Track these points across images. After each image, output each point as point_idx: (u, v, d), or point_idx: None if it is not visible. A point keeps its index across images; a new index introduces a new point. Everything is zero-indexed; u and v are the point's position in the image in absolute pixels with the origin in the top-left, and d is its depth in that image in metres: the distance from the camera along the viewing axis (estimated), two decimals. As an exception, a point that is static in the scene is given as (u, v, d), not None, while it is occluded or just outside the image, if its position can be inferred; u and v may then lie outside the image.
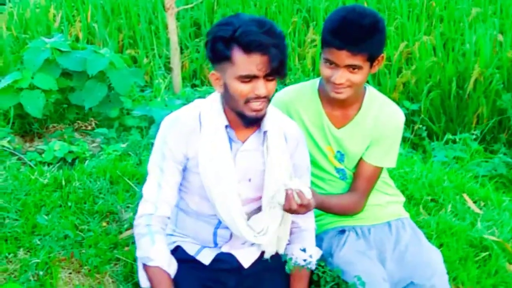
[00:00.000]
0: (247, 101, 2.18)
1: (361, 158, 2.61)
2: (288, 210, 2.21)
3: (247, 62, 2.13)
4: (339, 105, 2.58)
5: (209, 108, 2.32)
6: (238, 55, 2.14)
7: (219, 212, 2.31)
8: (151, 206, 2.34)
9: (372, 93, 2.63)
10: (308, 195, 2.20)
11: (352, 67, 2.39)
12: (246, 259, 2.47)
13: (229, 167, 2.29)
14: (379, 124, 2.58)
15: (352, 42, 2.34)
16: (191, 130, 2.31)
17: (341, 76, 2.39)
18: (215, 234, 2.45)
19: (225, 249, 2.46)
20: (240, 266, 2.45)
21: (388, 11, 8.02)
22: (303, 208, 2.20)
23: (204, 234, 2.46)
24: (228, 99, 2.25)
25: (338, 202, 2.59)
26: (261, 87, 2.15)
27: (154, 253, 2.27)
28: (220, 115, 2.30)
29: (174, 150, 2.30)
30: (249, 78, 2.15)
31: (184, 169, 2.36)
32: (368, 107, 2.60)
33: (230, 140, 2.32)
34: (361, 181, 2.60)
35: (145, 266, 2.31)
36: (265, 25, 2.14)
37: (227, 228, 2.40)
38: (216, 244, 2.46)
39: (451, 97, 6.23)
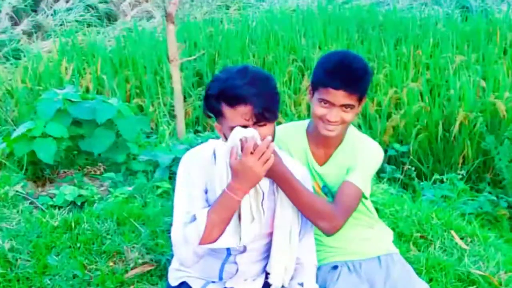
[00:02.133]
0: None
1: (344, 181, 2.54)
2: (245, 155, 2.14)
3: (234, 115, 2.17)
4: (324, 144, 2.59)
5: (221, 146, 2.31)
6: (225, 109, 2.18)
7: None
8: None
9: (352, 131, 2.65)
10: (258, 139, 2.14)
11: (346, 106, 2.42)
12: None
13: None
14: (356, 153, 2.57)
15: (348, 83, 2.38)
16: (208, 162, 2.32)
17: (336, 114, 2.42)
18: (221, 270, 2.43)
19: (229, 284, 2.42)
20: None
21: (377, 59, 8.11)
22: (257, 156, 2.13)
23: (211, 269, 2.43)
24: None
25: (318, 202, 2.42)
26: None
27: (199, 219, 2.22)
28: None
29: (197, 178, 2.30)
30: None
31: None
32: (347, 143, 2.61)
33: None
34: (341, 198, 2.49)
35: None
36: (247, 75, 2.18)
37: (234, 263, 2.40)
38: (221, 279, 2.44)
39: (438, 139, 6.27)
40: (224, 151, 2.21)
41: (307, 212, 2.39)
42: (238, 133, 2.15)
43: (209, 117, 2.32)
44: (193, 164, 2.34)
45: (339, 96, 2.40)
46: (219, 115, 2.24)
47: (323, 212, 2.40)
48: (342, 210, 2.46)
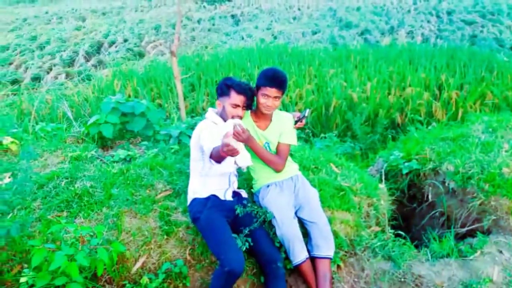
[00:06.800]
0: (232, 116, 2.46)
1: (278, 142, 2.61)
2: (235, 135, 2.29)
3: (236, 98, 2.45)
4: (263, 118, 2.61)
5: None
6: (233, 93, 2.45)
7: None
8: None
9: (277, 111, 2.68)
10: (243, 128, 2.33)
11: (276, 98, 2.45)
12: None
13: None
14: (281, 122, 2.62)
15: (279, 84, 2.42)
16: (211, 123, 2.49)
17: (272, 102, 2.46)
18: (229, 180, 2.53)
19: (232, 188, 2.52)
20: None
21: (289, 73, 8.07)
22: (241, 137, 2.30)
23: (224, 182, 2.51)
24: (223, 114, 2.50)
25: (270, 156, 2.56)
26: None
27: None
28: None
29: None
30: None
31: None
32: (276, 117, 2.64)
33: None
34: (280, 152, 2.59)
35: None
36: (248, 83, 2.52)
37: (235, 174, 2.58)
38: (229, 185, 2.52)
39: (322, 115, 6.32)
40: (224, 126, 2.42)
41: (265, 160, 2.53)
42: (231, 122, 2.37)
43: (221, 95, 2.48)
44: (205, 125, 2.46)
45: (273, 91, 2.42)
46: (226, 95, 2.43)
47: (274, 161, 2.55)
48: (282, 159, 2.59)
